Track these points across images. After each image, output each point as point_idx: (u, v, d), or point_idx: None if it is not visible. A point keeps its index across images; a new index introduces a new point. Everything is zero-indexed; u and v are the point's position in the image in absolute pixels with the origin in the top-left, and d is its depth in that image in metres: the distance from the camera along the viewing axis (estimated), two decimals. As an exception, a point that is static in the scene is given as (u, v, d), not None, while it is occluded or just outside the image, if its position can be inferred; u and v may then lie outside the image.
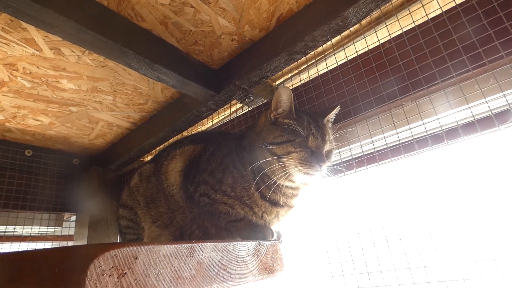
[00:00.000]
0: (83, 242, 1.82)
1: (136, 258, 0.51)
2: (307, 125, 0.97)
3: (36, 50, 1.25)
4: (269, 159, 0.94)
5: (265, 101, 1.60)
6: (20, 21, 1.09)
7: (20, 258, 0.43)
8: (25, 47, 1.23)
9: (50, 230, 1.99)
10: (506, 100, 0.92)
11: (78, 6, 1.02)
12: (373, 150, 1.14)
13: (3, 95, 1.46)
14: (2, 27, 1.12)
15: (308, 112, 1.05)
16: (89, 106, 1.65)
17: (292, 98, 0.99)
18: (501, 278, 0.83)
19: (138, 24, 1.22)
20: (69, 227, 2.03)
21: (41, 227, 1.90)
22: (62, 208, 1.93)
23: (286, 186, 1.00)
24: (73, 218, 2.01)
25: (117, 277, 0.47)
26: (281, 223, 1.07)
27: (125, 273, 0.49)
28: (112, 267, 0.47)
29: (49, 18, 0.98)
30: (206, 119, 1.84)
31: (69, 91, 1.51)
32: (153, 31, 1.27)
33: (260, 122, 1.06)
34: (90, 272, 0.43)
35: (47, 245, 1.97)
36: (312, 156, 0.93)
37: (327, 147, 0.99)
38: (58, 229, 2.01)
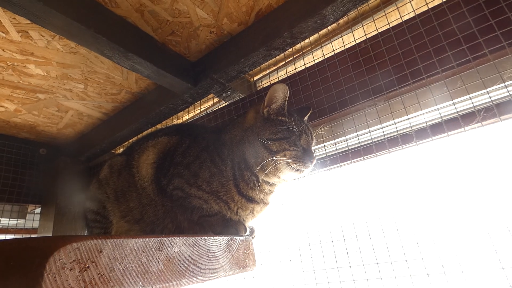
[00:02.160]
0: (48, 235, 1.75)
1: (101, 251, 0.49)
2: (298, 123, 0.99)
3: (2, 32, 1.18)
4: (262, 155, 0.94)
5: (242, 96, 1.59)
6: (-17, -1, 1.02)
7: None
8: (-11, 28, 1.15)
9: (12, 222, 1.89)
10: (508, 91, 0.93)
11: (48, -13, 0.97)
12: (358, 145, 1.15)
13: (-37, 78, 1.36)
14: (-38, 5, 1.05)
15: (291, 110, 1.06)
16: (58, 93, 1.57)
17: (288, 95, 1.00)
18: (502, 270, 0.84)
19: (113, 10, 1.18)
20: (33, 220, 1.93)
21: (2, 218, 1.80)
22: (26, 200, 1.84)
23: (267, 182, 1.00)
24: (38, 210, 1.92)
25: (79, 271, 0.45)
26: (255, 219, 1.07)
27: (88, 267, 0.47)
28: (74, 260, 0.45)
29: (15, -2, 0.92)
30: (182, 113, 1.81)
31: (37, 77, 1.44)
32: (128, 18, 1.23)
33: (248, 117, 1.04)
34: (49, 265, 0.41)
35: (9, 238, 1.88)
36: (305, 153, 0.96)
37: (313, 144, 1.01)
38: (21, 221, 1.92)
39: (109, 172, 1.14)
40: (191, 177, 0.96)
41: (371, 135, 1.10)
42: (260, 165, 0.94)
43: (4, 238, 1.85)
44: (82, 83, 1.52)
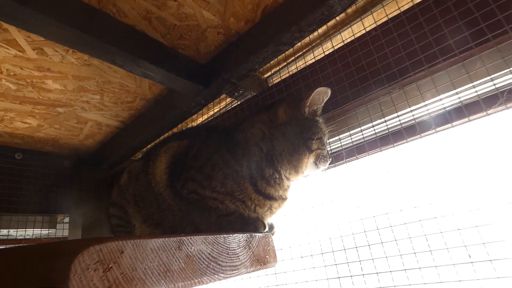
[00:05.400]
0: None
1: (122, 252, 0.51)
2: (323, 124, 1.06)
3: (19, 51, 1.23)
4: (301, 151, 0.99)
5: (254, 94, 1.59)
6: (0, 21, 1.07)
7: (4, 255, 0.43)
8: (8, 49, 1.21)
9: (44, 232, 1.97)
10: (494, 84, 0.92)
11: (58, 4, 1.00)
12: (375, 136, 1.14)
13: (-12, 98, 1.44)
14: (-18, 28, 1.10)
15: None
16: (77, 106, 1.63)
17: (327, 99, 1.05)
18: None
19: (121, 20, 1.21)
20: (63, 229, 2.01)
21: (35, 229, 1.89)
22: (55, 210, 1.92)
23: (288, 178, 1.02)
24: (67, 219, 2.00)
25: (103, 271, 0.47)
26: (274, 216, 1.08)
27: (111, 267, 0.48)
28: (97, 261, 0.46)
29: (29, 17, 0.96)
30: (196, 115, 1.83)
31: (55, 91, 1.49)
32: (137, 26, 1.26)
33: (280, 114, 1.05)
34: (74, 267, 0.43)
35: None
36: (327, 152, 1.04)
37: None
38: (52, 231, 2.00)
39: (128, 178, 1.17)
40: (205, 180, 0.98)
41: (387, 125, 1.08)
42: (295, 162, 0.96)
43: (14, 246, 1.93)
44: (98, 94, 1.57)
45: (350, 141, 1.17)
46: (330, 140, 1.22)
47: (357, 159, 1.16)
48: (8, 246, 1.84)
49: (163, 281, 0.57)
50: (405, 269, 0.98)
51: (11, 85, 1.40)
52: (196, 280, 0.66)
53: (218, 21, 1.31)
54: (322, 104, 1.04)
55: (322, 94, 1.01)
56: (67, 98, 1.55)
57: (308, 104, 0.99)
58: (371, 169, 1.12)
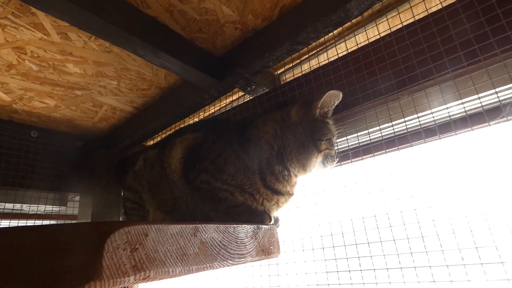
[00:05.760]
0: (87, 221, 1.89)
1: (147, 235, 0.56)
2: (333, 126, 1.11)
3: (44, 34, 1.28)
4: (310, 151, 1.04)
5: (267, 90, 1.63)
6: (30, 6, 1.12)
7: (51, 231, 0.48)
8: (34, 31, 1.25)
9: (55, 209, 2.05)
10: (498, 97, 0.96)
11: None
12: (369, 142, 1.19)
13: (11, 77, 1.49)
14: (12, 12, 1.15)
15: None
16: (94, 90, 1.68)
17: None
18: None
19: (144, 11, 1.25)
20: (73, 207, 2.09)
21: (46, 206, 1.96)
22: (66, 188, 1.99)
23: (296, 175, 1.07)
24: (77, 198, 2.07)
25: (130, 251, 0.53)
26: (281, 209, 1.13)
27: (137, 248, 0.54)
28: (126, 242, 0.52)
29: (57, 4, 1.00)
30: (208, 106, 1.87)
31: (75, 75, 1.54)
32: (159, 18, 1.29)
33: (293, 115, 1.09)
34: (107, 245, 0.49)
35: (53, 223, 2.04)
36: (335, 153, 1.10)
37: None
38: (62, 208, 2.08)
39: (143, 164, 1.23)
40: (217, 172, 1.03)
41: (393, 129, 1.12)
42: (304, 161, 1.01)
43: (49, 223, 2.01)
44: (115, 79, 1.62)
45: (357, 142, 1.21)
46: (338, 140, 1.27)
47: (362, 159, 1.20)
48: (35, 221, 1.92)
49: (179, 264, 0.62)
50: (401, 268, 1.03)
51: (33, 66, 1.45)
52: (208, 265, 0.71)
53: (237, 17, 1.34)
54: (333, 107, 1.08)
55: (333, 97, 1.05)
56: (86, 82, 1.60)
57: (319, 106, 1.03)
58: (375, 170, 1.16)
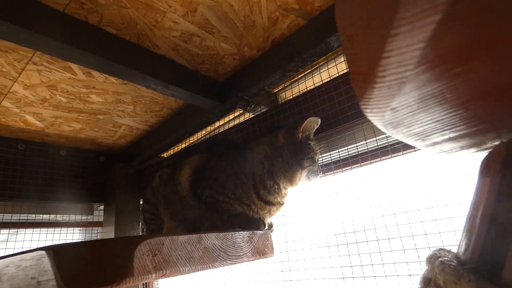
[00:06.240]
0: (111, 228, 2.14)
1: (163, 244, 0.78)
2: (316, 145, 1.29)
3: (72, 74, 1.52)
4: (294, 169, 1.23)
5: (265, 109, 1.84)
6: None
7: (103, 243, 0.71)
8: (64, 73, 1.50)
9: (83, 217, 2.32)
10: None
11: (106, 45, 1.28)
12: (357, 153, 1.39)
13: (45, 108, 1.75)
14: (47, 60, 1.40)
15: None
16: (113, 114, 1.93)
17: (317, 127, 1.31)
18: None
19: (154, 51, 1.48)
20: (99, 215, 2.36)
21: (76, 215, 2.24)
22: (92, 199, 2.25)
23: (285, 188, 1.27)
24: (102, 207, 2.34)
25: (152, 257, 0.75)
26: (273, 217, 1.34)
27: (156, 254, 0.76)
28: (149, 250, 0.74)
29: (85, 58, 1.24)
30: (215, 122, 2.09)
31: (97, 103, 1.79)
32: (167, 55, 1.52)
33: (280, 139, 1.29)
34: (136, 253, 0.71)
35: (81, 230, 2.32)
36: (318, 167, 1.27)
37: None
38: (89, 216, 2.34)
39: (159, 182, 1.46)
40: (219, 188, 1.25)
41: (367, 146, 1.32)
42: (290, 176, 1.21)
43: (79, 230, 2.28)
44: (132, 104, 1.86)
45: (338, 156, 1.41)
46: (324, 154, 1.47)
47: (342, 172, 1.40)
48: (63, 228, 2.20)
49: (188, 264, 0.84)
50: (394, 263, 1.22)
51: (63, 99, 1.70)
52: (210, 265, 0.93)
53: (234, 50, 1.55)
54: (313, 131, 1.27)
55: (313, 123, 1.25)
56: (106, 108, 1.85)
57: (301, 130, 1.23)
58: (350, 182, 1.37)
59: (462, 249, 0.38)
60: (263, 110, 1.82)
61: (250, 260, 1.13)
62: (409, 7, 0.25)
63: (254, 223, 1.25)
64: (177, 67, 1.58)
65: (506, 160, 0.34)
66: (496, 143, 0.37)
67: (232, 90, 1.73)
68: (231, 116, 2.11)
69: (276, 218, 1.42)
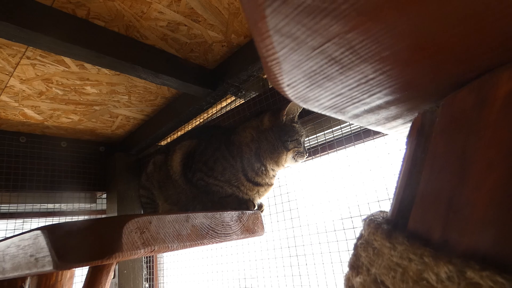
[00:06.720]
0: (114, 215, 2.23)
1: (150, 222, 0.85)
2: (301, 128, 1.33)
3: (66, 67, 1.57)
4: (279, 150, 1.27)
5: (255, 94, 1.88)
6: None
7: (100, 221, 0.78)
8: (57, 66, 1.55)
9: (87, 206, 2.41)
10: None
11: (96, 37, 1.32)
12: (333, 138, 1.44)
13: (42, 101, 1.81)
14: (40, 54, 1.44)
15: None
16: (109, 104, 1.98)
17: (301, 110, 1.35)
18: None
19: (143, 41, 1.51)
20: (102, 203, 2.44)
21: (80, 204, 2.32)
22: (94, 188, 2.33)
23: (273, 170, 1.32)
24: (104, 195, 2.42)
25: (140, 234, 0.81)
26: (263, 198, 1.40)
27: (144, 231, 0.82)
28: (136, 227, 0.81)
29: (76, 51, 1.29)
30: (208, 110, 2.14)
31: (93, 94, 1.84)
32: (156, 45, 1.56)
33: (265, 122, 1.32)
34: (124, 230, 0.77)
35: (86, 218, 2.41)
36: (304, 149, 1.30)
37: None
38: (93, 205, 2.43)
39: (153, 167, 1.52)
40: (209, 171, 1.30)
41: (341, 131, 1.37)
42: (276, 158, 1.26)
43: (83, 218, 2.38)
44: (126, 95, 1.91)
45: (324, 139, 1.46)
46: (310, 137, 1.51)
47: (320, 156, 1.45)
48: (70, 217, 2.29)
49: (176, 241, 0.91)
50: None
51: (59, 91, 1.76)
52: (199, 242, 1.00)
53: (222, 38, 1.58)
54: (298, 113, 1.31)
55: (296, 106, 1.28)
56: (102, 99, 1.90)
57: (285, 113, 1.27)
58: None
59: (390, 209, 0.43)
60: (253, 96, 1.86)
61: (240, 238, 1.20)
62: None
63: (244, 204, 1.31)
64: (166, 56, 1.61)
65: (420, 129, 0.39)
66: (416, 115, 0.41)
67: (222, 77, 1.77)
68: (224, 103, 2.15)
69: (282, 205, 1.50)
